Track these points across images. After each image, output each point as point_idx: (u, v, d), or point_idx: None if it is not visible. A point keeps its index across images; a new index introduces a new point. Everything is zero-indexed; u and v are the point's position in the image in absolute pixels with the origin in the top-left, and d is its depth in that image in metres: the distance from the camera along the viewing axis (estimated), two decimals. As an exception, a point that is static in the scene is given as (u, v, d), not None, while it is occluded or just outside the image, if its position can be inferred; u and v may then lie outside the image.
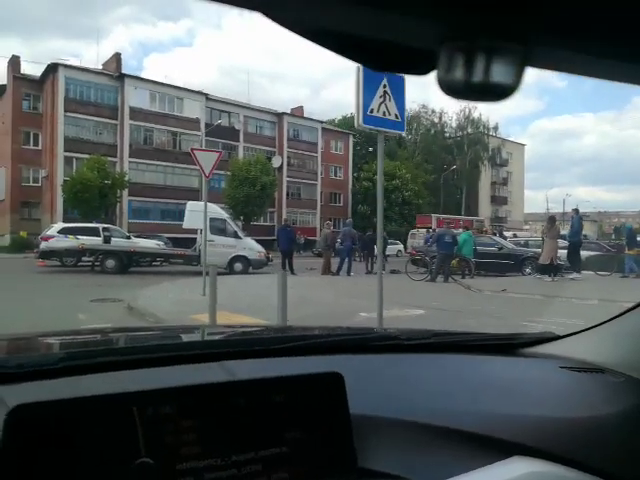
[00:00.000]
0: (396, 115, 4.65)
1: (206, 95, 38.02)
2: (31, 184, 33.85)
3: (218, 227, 15.36)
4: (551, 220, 12.27)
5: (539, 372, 1.01)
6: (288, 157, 41.98)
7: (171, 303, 7.98)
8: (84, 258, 16.68)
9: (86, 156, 28.76)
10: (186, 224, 15.60)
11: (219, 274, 14.59)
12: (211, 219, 15.22)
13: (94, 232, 17.73)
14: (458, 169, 51.54)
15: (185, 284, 11.26)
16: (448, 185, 50.57)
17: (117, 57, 35.81)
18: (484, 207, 57.93)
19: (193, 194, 37.37)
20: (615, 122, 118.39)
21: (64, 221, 21.34)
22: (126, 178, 28.45)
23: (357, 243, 15.30)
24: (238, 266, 15.28)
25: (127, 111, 34.05)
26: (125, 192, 30.63)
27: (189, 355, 0.85)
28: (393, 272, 16.51)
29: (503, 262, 14.34)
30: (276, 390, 0.63)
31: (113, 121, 34.20)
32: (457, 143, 54.77)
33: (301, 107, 46.46)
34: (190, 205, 15.93)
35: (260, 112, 41.90)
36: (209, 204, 17.77)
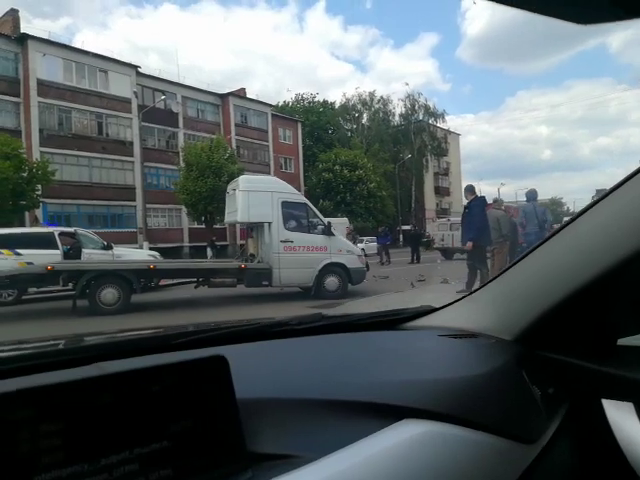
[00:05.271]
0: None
1: (136, 68, 30.27)
2: None
3: (298, 218, 9.04)
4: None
5: (421, 342, 1.07)
6: (237, 146, 35.32)
7: None
8: (32, 289, 9.70)
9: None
10: (241, 215, 8.90)
11: (304, 298, 8.44)
12: (285, 204, 8.92)
13: (45, 242, 10.55)
14: (408, 159, 48.29)
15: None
16: (399, 176, 47.10)
17: (14, 15, 26.91)
18: (429, 198, 55.75)
19: (128, 193, 29.59)
20: (492, 121, 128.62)
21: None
22: (50, 168, 20.30)
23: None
24: (332, 282, 9.00)
25: (34, 85, 25.52)
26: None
27: (56, 362, 0.74)
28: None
29: None
30: (153, 381, 0.57)
31: (14, 98, 25.50)
32: (403, 132, 51.46)
33: (243, 89, 39.90)
34: (243, 181, 9.26)
35: (201, 92, 34.84)
36: (277, 180, 10.65)
